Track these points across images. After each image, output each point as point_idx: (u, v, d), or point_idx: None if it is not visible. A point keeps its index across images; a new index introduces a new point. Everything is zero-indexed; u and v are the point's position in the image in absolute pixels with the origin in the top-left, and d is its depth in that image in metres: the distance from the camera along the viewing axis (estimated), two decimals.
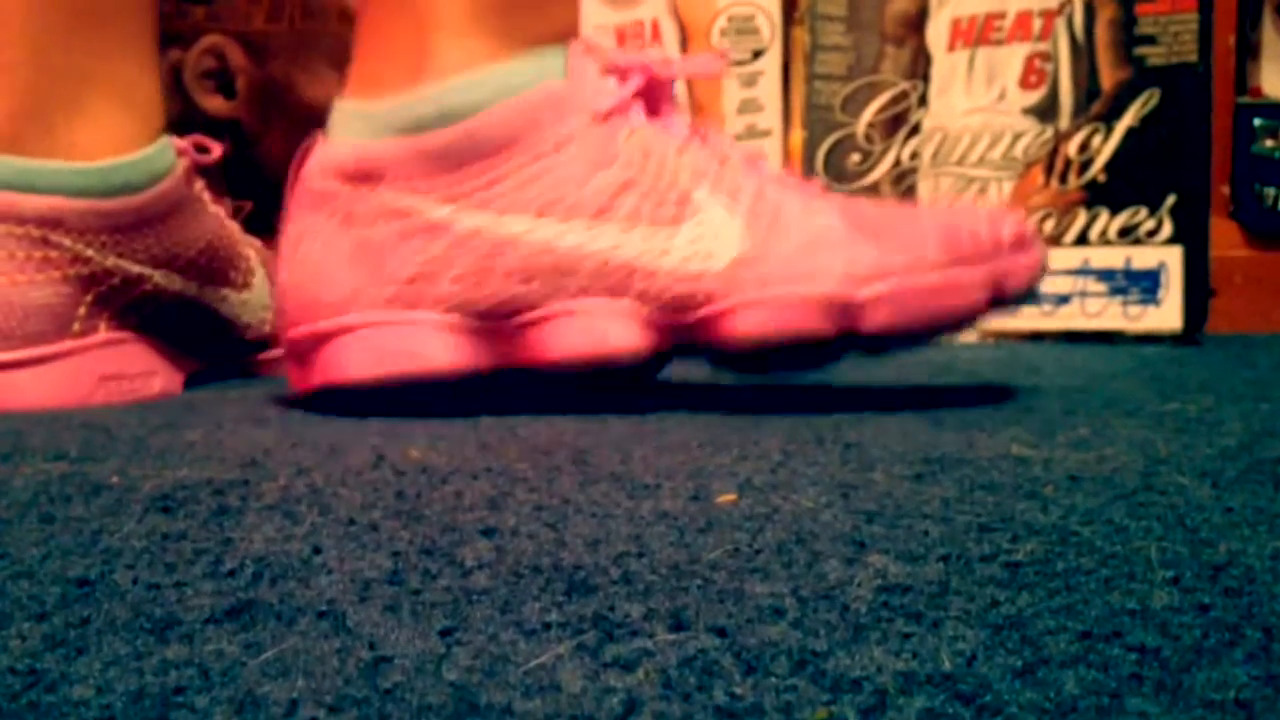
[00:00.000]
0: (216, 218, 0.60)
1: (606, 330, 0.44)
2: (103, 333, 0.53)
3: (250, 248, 0.64)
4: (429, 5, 0.45)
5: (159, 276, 0.55)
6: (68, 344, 0.52)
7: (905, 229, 0.45)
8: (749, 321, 0.44)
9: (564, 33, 0.46)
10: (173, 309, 0.57)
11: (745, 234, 0.44)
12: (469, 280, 0.44)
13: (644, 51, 0.48)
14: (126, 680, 0.19)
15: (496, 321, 0.44)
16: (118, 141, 0.54)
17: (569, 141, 0.44)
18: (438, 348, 0.44)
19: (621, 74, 0.46)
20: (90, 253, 0.52)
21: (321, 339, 0.45)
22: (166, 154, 0.56)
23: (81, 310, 0.52)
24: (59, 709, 0.18)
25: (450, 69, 0.45)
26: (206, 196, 0.60)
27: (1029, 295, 0.47)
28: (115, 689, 0.19)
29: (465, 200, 0.44)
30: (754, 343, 0.43)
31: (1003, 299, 0.46)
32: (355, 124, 0.45)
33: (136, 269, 0.54)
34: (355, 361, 0.44)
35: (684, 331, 0.45)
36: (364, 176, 0.44)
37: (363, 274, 0.44)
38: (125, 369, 0.54)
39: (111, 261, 0.52)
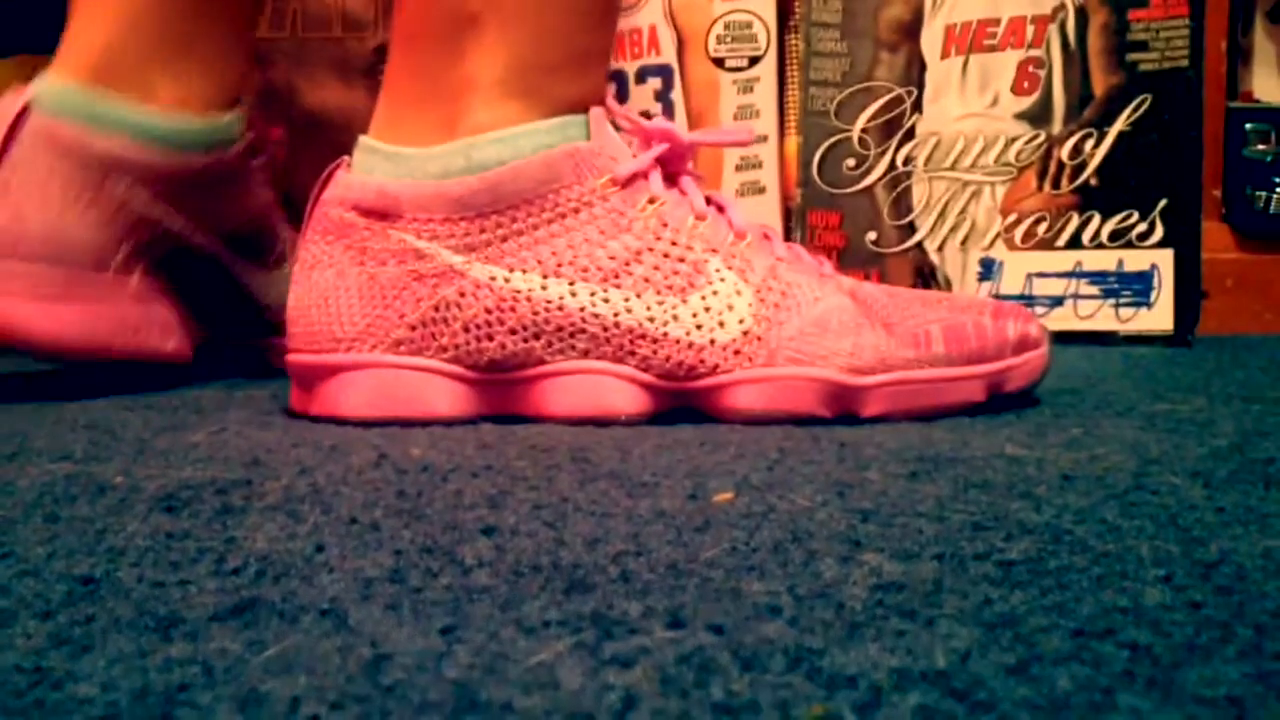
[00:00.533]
0: (265, 196, 0.62)
1: (608, 393, 0.44)
2: (135, 282, 0.54)
3: (286, 232, 0.65)
4: (467, 69, 0.46)
5: (199, 237, 0.56)
6: (100, 285, 0.53)
7: (913, 321, 0.46)
8: (749, 398, 0.44)
9: (588, 100, 0.47)
10: (204, 272, 0.58)
11: (755, 308, 0.45)
12: (475, 331, 0.44)
13: (665, 120, 0.48)
14: (131, 678, 0.20)
15: (499, 374, 0.45)
16: (197, 103, 0.56)
17: (587, 205, 0.45)
18: (439, 396, 0.45)
19: (644, 140, 0.47)
20: (141, 200, 0.53)
21: (325, 371, 0.45)
22: (237, 126, 0.58)
23: (119, 256, 0.53)
24: (64, 706, 0.18)
25: (481, 128, 0.46)
26: (260, 175, 0.61)
27: (1028, 393, 0.48)
28: (120, 686, 0.19)
29: (480, 251, 0.44)
30: (752, 418, 0.44)
31: (1000, 394, 0.47)
32: (382, 164, 0.46)
33: (180, 225, 0.55)
34: (356, 400, 0.45)
35: (684, 397, 0.45)
36: (382, 213, 0.45)
37: (372, 312, 0.45)
38: (146, 321, 0.55)
39: (159, 212, 0.54)
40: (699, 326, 0.44)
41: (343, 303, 0.45)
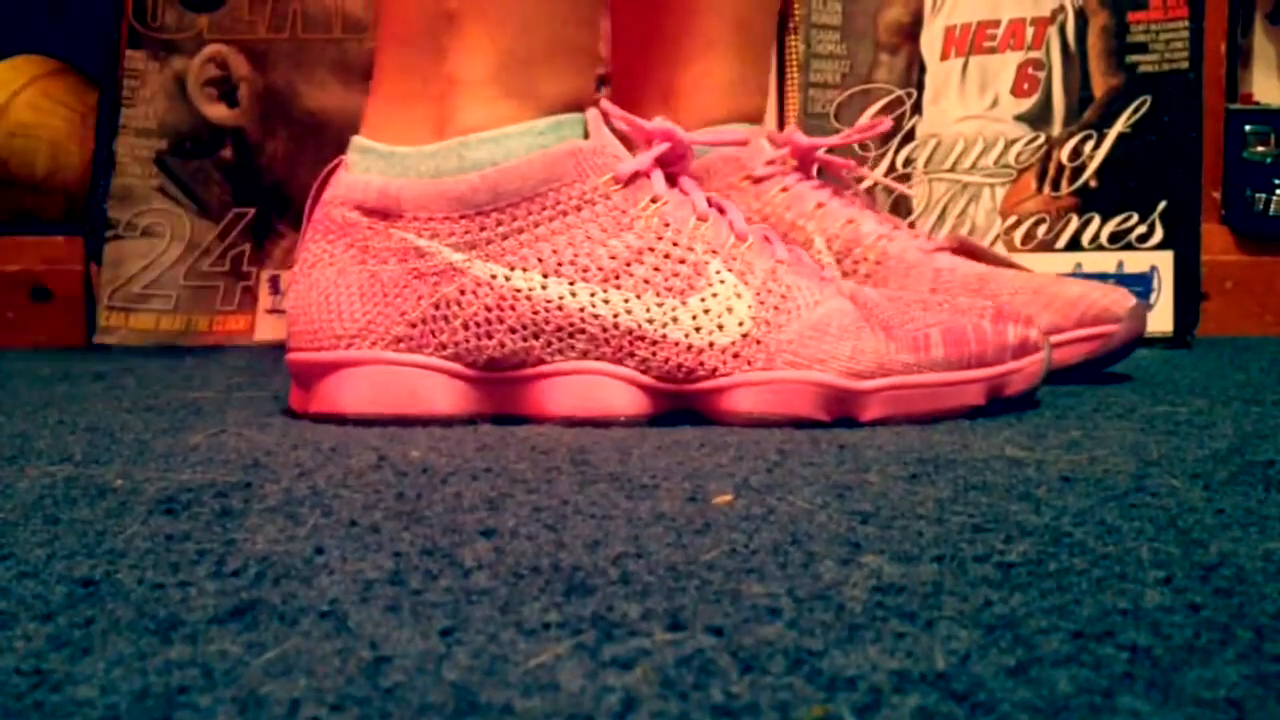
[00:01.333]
0: None
1: (607, 394, 0.44)
2: None
3: None
4: (455, 66, 0.46)
5: None
6: None
7: (912, 325, 0.46)
8: (748, 401, 0.44)
9: (580, 100, 0.47)
10: None
11: (754, 311, 0.45)
12: (475, 329, 0.44)
13: (665, 120, 0.48)
14: (131, 680, 0.20)
15: (498, 372, 0.45)
16: None
17: (589, 203, 0.45)
18: (438, 393, 0.45)
19: (645, 139, 0.47)
20: None
21: (325, 368, 0.45)
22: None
23: None
24: (64, 708, 0.18)
25: (472, 128, 0.45)
26: None
27: (1028, 397, 0.48)
28: (120, 689, 0.19)
29: (480, 249, 0.44)
30: (751, 421, 0.44)
31: (1000, 398, 0.47)
32: (377, 162, 0.46)
33: None
34: (355, 397, 0.45)
35: (682, 400, 0.45)
36: (384, 212, 0.45)
37: (372, 309, 0.45)
38: None
39: None
40: (698, 329, 0.44)
41: (343, 300, 0.45)
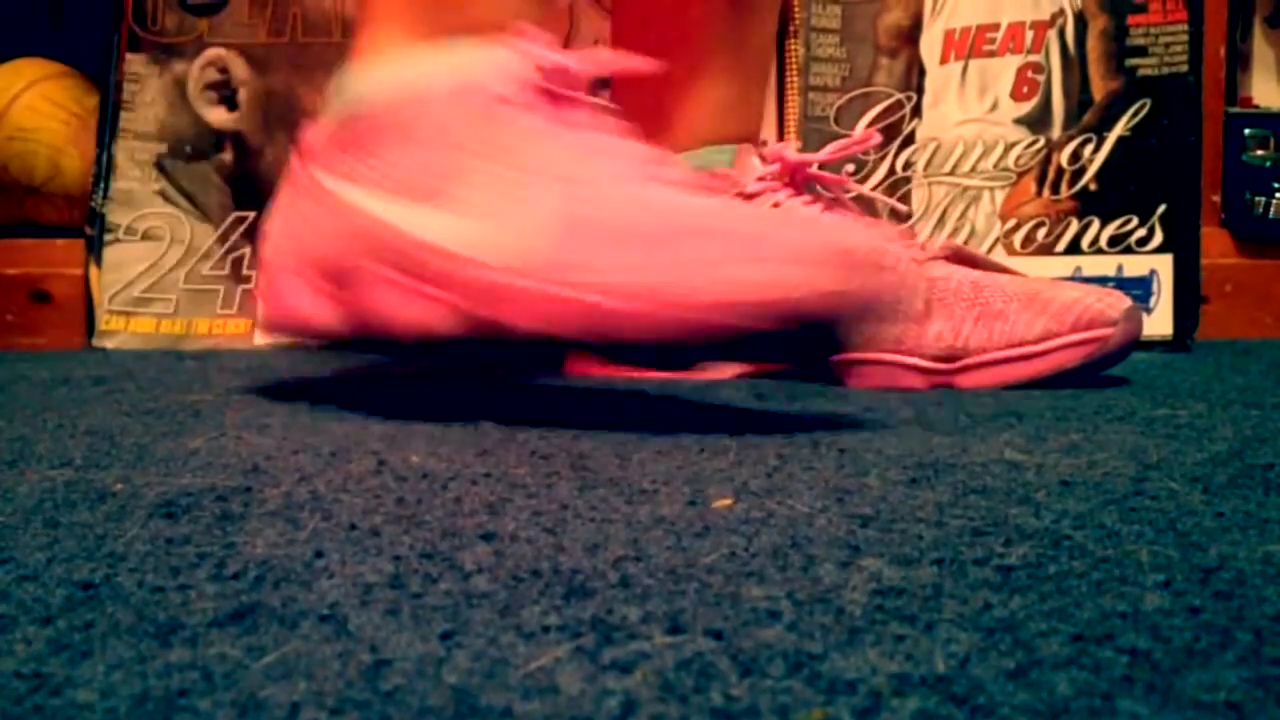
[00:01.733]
0: None
1: (409, 307, 0.43)
2: None
3: None
4: None
5: None
6: None
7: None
8: (518, 315, 0.41)
9: (489, 27, 0.46)
10: None
11: (546, 232, 0.41)
12: (338, 246, 0.46)
13: (588, 52, 0.48)
14: (130, 683, 0.20)
15: (351, 286, 0.46)
16: None
17: (434, 128, 0.45)
18: (307, 304, 0.47)
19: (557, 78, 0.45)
20: None
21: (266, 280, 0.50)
22: None
23: None
24: (63, 712, 0.18)
25: (376, 56, 0.48)
26: None
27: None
28: (119, 692, 0.19)
29: (356, 179, 0.46)
30: (525, 335, 0.42)
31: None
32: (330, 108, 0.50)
33: None
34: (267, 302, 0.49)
35: (486, 327, 0.42)
36: (308, 154, 0.49)
37: (290, 235, 0.48)
38: None
39: None
40: (497, 246, 0.43)
41: (281, 228, 0.50)
